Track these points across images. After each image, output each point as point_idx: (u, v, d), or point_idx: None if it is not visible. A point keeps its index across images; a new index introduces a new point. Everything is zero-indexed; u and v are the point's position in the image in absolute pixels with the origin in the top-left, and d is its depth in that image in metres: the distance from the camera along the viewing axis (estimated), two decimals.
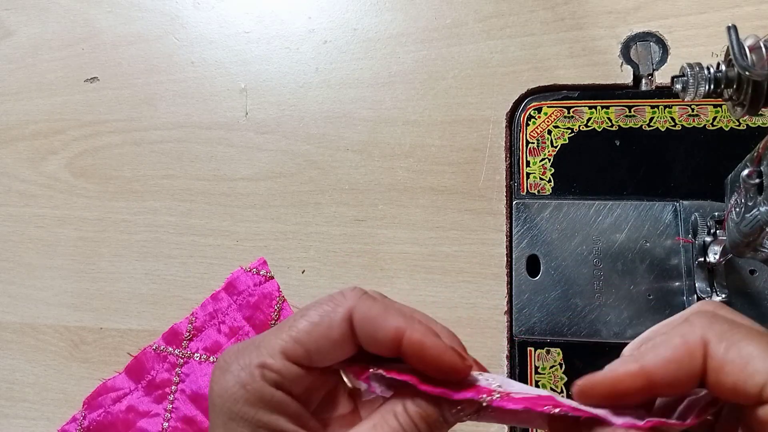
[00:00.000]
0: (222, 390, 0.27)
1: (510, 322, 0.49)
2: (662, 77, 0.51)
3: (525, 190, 0.51)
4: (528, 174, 0.51)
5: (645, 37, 0.52)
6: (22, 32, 0.63)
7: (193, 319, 0.53)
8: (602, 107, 0.51)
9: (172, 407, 0.51)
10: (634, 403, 0.26)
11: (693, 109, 0.50)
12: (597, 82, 0.52)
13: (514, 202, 0.51)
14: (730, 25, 0.30)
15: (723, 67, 0.33)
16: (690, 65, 0.33)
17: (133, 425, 0.51)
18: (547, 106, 0.52)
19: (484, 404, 0.27)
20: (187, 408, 0.51)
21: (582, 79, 0.52)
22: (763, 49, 0.30)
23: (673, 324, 0.27)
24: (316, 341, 0.27)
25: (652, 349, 0.26)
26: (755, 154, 0.35)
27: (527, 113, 0.52)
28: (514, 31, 0.55)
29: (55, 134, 0.60)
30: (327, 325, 0.27)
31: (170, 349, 0.53)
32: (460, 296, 0.50)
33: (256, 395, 0.27)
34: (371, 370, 0.28)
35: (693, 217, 0.47)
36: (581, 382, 0.26)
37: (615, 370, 0.26)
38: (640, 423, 0.26)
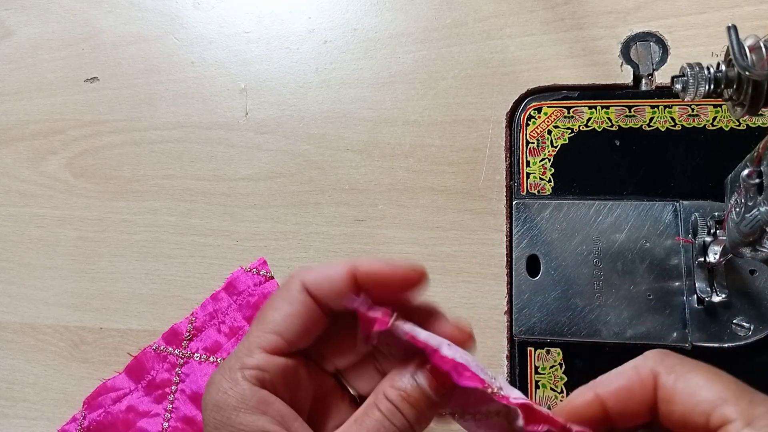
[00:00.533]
0: (207, 403, 0.28)
1: (510, 322, 0.49)
2: (662, 77, 0.51)
3: (525, 190, 0.51)
4: (528, 174, 0.51)
5: (645, 37, 0.52)
6: (22, 32, 0.63)
7: (193, 319, 0.53)
8: (602, 107, 0.51)
9: (172, 407, 0.51)
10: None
11: (693, 109, 0.50)
12: (597, 82, 0.52)
13: (514, 202, 0.51)
14: (730, 25, 0.30)
15: (723, 67, 0.33)
16: (690, 65, 0.33)
17: (133, 425, 0.51)
18: (547, 106, 0.52)
19: (491, 391, 0.27)
20: (187, 408, 0.51)
21: (582, 79, 0.52)
22: (763, 49, 0.30)
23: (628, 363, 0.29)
24: (284, 322, 0.28)
25: (606, 378, 0.27)
26: (755, 154, 0.35)
27: (527, 113, 0.52)
28: (514, 31, 0.55)
29: (55, 134, 0.60)
30: (288, 303, 0.28)
31: (170, 349, 0.53)
32: (460, 296, 0.50)
33: (238, 398, 0.27)
34: (392, 318, 0.28)
35: (693, 217, 0.47)
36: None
37: (573, 400, 0.28)
38: None
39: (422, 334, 0.28)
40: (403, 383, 0.28)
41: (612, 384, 0.27)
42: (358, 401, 0.32)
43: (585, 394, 0.27)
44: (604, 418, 0.27)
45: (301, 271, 0.29)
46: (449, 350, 0.27)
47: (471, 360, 0.28)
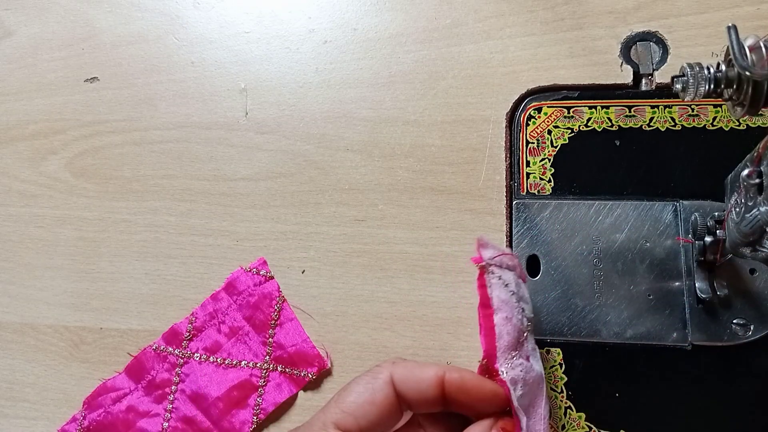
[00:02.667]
0: None
1: None
2: (662, 77, 0.51)
3: (525, 190, 0.51)
4: (528, 174, 0.51)
5: (645, 37, 0.52)
6: (22, 32, 0.63)
7: (193, 319, 0.53)
8: (602, 107, 0.51)
9: (172, 407, 0.51)
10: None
11: (693, 109, 0.50)
12: (597, 82, 0.52)
13: (514, 202, 0.51)
14: (730, 25, 0.30)
15: (723, 67, 0.33)
16: (690, 65, 0.33)
17: (133, 425, 0.51)
18: (547, 106, 0.52)
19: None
20: (187, 408, 0.51)
21: (582, 79, 0.52)
22: (763, 49, 0.30)
23: None
24: (363, 408, 0.29)
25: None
26: (755, 154, 0.35)
27: (527, 113, 0.52)
28: (514, 31, 0.55)
29: (55, 134, 0.60)
30: (371, 391, 0.30)
31: (170, 349, 0.53)
32: (460, 296, 0.50)
33: None
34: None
35: (693, 217, 0.47)
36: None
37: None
38: None
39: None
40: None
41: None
42: None
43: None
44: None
45: (391, 362, 0.30)
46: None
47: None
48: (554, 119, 0.52)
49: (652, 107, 0.51)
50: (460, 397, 0.30)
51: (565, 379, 0.47)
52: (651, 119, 0.51)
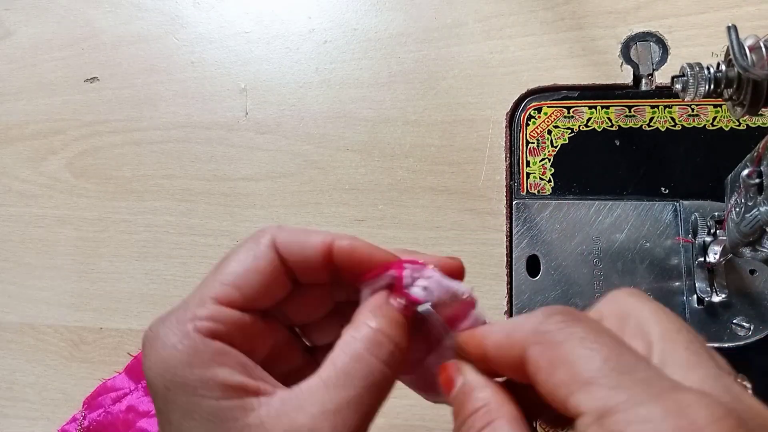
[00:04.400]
0: (154, 361, 0.24)
1: None
2: (662, 77, 0.51)
3: (525, 190, 0.51)
4: (528, 174, 0.51)
5: (645, 37, 0.52)
6: (22, 32, 0.63)
7: None
8: (602, 107, 0.51)
9: None
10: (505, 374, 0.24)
11: (693, 109, 0.50)
12: (597, 82, 0.52)
13: (514, 202, 0.51)
14: (730, 25, 0.30)
15: (723, 67, 0.33)
16: (690, 65, 0.33)
17: (133, 425, 0.51)
18: (547, 106, 0.52)
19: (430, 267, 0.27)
20: None
21: (582, 79, 0.52)
22: (763, 49, 0.30)
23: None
24: (246, 277, 0.25)
25: (497, 326, 0.25)
26: (755, 154, 0.35)
27: (527, 113, 0.52)
28: (514, 31, 0.55)
29: (55, 134, 0.60)
30: (253, 258, 0.25)
31: None
32: None
33: (191, 352, 0.23)
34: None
35: (693, 217, 0.47)
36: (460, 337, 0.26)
37: (470, 336, 0.26)
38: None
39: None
40: (380, 304, 0.26)
41: (492, 335, 0.24)
42: (311, 348, 0.30)
43: (478, 338, 0.25)
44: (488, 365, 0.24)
45: (274, 227, 0.26)
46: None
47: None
48: (554, 119, 0.52)
49: (652, 107, 0.51)
50: (349, 266, 0.26)
51: None
52: (651, 119, 0.51)
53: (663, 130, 0.50)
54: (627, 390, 0.18)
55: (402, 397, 0.48)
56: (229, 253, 0.26)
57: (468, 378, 0.25)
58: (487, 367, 0.24)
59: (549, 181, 0.51)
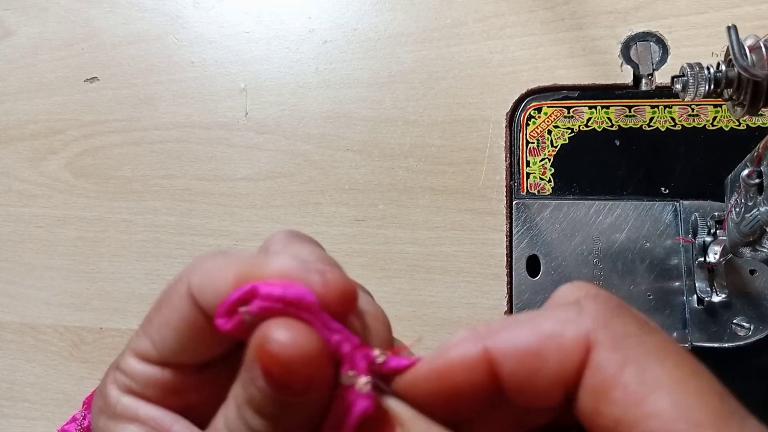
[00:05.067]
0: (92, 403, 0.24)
1: None
2: (662, 77, 0.51)
3: (525, 190, 0.51)
4: (528, 174, 0.51)
5: (645, 37, 0.52)
6: (22, 32, 0.63)
7: None
8: (602, 107, 0.51)
9: None
10: (475, 411, 0.18)
11: (693, 109, 0.50)
12: (597, 82, 0.52)
13: (514, 202, 0.51)
14: (730, 25, 0.30)
15: (723, 67, 0.33)
16: (690, 65, 0.33)
17: None
18: (547, 106, 0.52)
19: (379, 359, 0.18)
20: None
21: (582, 79, 0.52)
22: (763, 49, 0.30)
23: (558, 307, 0.18)
24: (159, 330, 0.21)
25: (506, 327, 0.17)
26: (755, 154, 0.35)
27: (527, 113, 0.52)
28: (514, 31, 0.55)
29: (55, 134, 0.60)
30: (167, 308, 0.20)
31: None
32: (460, 296, 0.50)
33: (107, 403, 0.23)
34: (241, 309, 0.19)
35: (693, 217, 0.47)
36: (401, 381, 0.18)
37: (445, 354, 0.18)
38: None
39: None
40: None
41: (514, 339, 0.17)
42: None
43: (465, 347, 0.17)
44: (490, 386, 0.17)
45: (191, 268, 0.20)
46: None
47: None
48: (554, 119, 0.52)
49: (652, 107, 0.51)
50: (267, 302, 0.19)
51: None
52: (651, 119, 0.51)
53: (663, 130, 0.50)
54: None
55: None
56: (162, 292, 0.21)
57: (413, 427, 0.17)
58: (443, 403, 0.18)
59: (549, 181, 0.51)
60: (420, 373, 0.18)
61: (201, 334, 0.20)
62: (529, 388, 0.17)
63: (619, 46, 0.53)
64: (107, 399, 0.22)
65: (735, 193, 0.37)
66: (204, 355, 0.21)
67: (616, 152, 0.51)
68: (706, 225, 0.45)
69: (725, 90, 0.33)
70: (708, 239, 0.45)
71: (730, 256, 0.43)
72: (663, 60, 0.52)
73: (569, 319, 0.17)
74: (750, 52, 0.30)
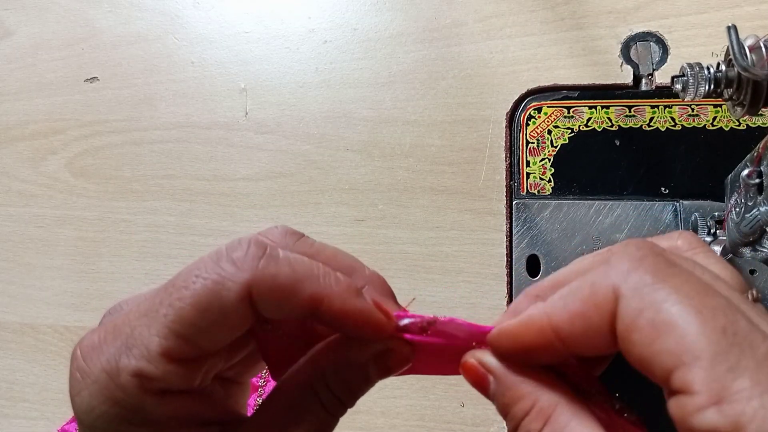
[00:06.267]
0: (88, 408, 0.21)
1: None
2: (662, 77, 0.51)
3: (525, 190, 0.51)
4: (528, 174, 0.51)
5: (645, 37, 0.52)
6: (22, 32, 0.63)
7: None
8: (602, 107, 0.51)
9: None
10: (548, 361, 0.22)
11: (693, 109, 0.50)
12: (597, 82, 0.52)
13: (514, 202, 0.51)
14: (730, 25, 0.30)
15: (723, 67, 0.33)
16: (690, 65, 0.33)
17: None
18: (547, 106, 0.52)
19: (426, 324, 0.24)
20: None
21: (582, 79, 0.52)
22: (763, 49, 0.30)
23: (592, 263, 0.22)
24: (206, 332, 0.21)
25: (560, 299, 0.21)
26: (755, 154, 0.35)
27: (527, 113, 0.52)
28: (514, 31, 0.55)
29: (55, 134, 0.60)
30: (218, 310, 0.20)
31: None
32: (460, 296, 0.50)
33: (133, 411, 0.21)
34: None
35: (693, 217, 0.47)
36: (493, 335, 0.23)
37: (525, 324, 0.22)
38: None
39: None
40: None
41: (565, 308, 0.21)
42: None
43: (538, 321, 0.21)
44: (561, 347, 0.21)
45: (252, 262, 0.21)
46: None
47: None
48: (554, 119, 0.52)
49: (652, 107, 0.51)
50: (335, 328, 0.23)
51: None
52: (651, 119, 0.51)
53: (663, 130, 0.50)
54: (750, 374, 0.17)
55: (401, 397, 0.48)
56: (187, 281, 0.21)
57: (499, 374, 0.22)
58: (523, 355, 0.22)
59: (549, 181, 0.51)
60: (500, 336, 0.23)
61: (241, 326, 0.21)
62: (584, 342, 0.20)
63: (619, 46, 0.53)
64: (142, 406, 0.21)
65: (735, 193, 0.37)
66: (227, 342, 0.22)
67: (616, 152, 0.51)
68: (706, 225, 0.45)
69: (725, 90, 0.33)
70: (708, 239, 0.45)
71: (730, 256, 0.43)
72: (663, 60, 0.52)
73: (598, 281, 0.20)
74: (750, 52, 0.30)
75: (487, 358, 0.23)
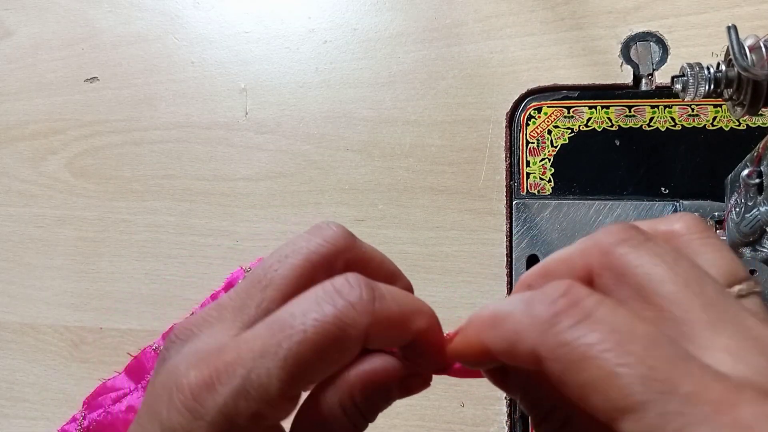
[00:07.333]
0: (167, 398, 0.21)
1: None
2: (662, 77, 0.51)
3: (525, 190, 0.51)
4: (528, 174, 0.51)
5: (645, 37, 0.52)
6: (22, 32, 0.63)
7: None
8: (602, 107, 0.51)
9: None
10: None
11: (693, 109, 0.50)
12: (597, 82, 0.52)
13: (514, 202, 0.51)
14: (730, 25, 0.30)
15: (723, 67, 0.33)
16: (690, 65, 0.33)
17: None
18: (547, 106, 0.52)
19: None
20: None
21: (582, 79, 0.52)
22: (763, 49, 0.30)
23: (573, 252, 0.22)
24: (322, 372, 0.21)
25: (492, 325, 0.21)
26: (755, 154, 0.35)
27: (527, 113, 0.52)
28: (514, 31, 0.55)
29: (55, 134, 0.60)
30: (338, 353, 0.21)
31: None
32: (460, 296, 0.50)
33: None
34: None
35: None
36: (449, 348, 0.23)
37: (462, 340, 0.22)
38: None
39: None
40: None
41: (494, 341, 0.21)
42: None
43: (474, 339, 0.22)
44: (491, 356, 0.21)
45: (368, 306, 0.21)
46: None
47: None
48: (554, 119, 0.52)
49: (652, 107, 0.51)
50: (412, 354, 0.24)
51: None
52: (651, 119, 0.51)
53: (663, 130, 0.50)
54: (679, 416, 0.16)
55: None
56: (301, 324, 0.21)
57: (483, 310, 0.22)
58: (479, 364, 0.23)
59: (549, 181, 0.51)
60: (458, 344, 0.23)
61: (347, 363, 0.22)
62: (515, 363, 0.20)
63: (619, 46, 0.53)
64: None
65: (735, 193, 0.37)
66: None
67: (616, 152, 0.51)
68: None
69: (725, 90, 0.33)
70: None
71: None
72: (663, 60, 0.52)
73: (522, 328, 0.20)
74: (750, 52, 0.30)
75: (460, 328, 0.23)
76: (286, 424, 0.23)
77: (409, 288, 0.27)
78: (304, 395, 0.23)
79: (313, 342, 0.20)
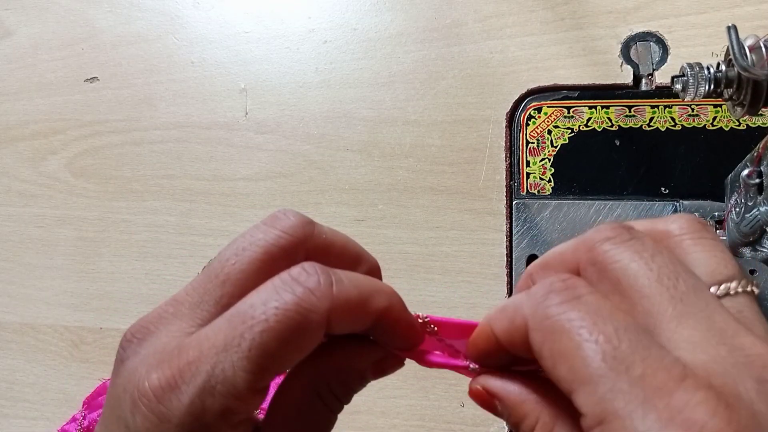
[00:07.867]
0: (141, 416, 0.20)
1: None
2: (662, 77, 0.51)
3: (525, 190, 0.51)
4: (528, 174, 0.51)
5: (645, 37, 0.52)
6: (22, 32, 0.63)
7: None
8: (602, 107, 0.51)
9: None
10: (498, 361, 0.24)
11: (693, 109, 0.50)
12: (597, 82, 0.52)
13: (514, 202, 0.51)
14: (730, 25, 0.30)
15: (723, 67, 0.33)
16: (690, 65, 0.33)
17: None
18: (547, 106, 0.52)
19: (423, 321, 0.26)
20: None
21: (582, 79, 0.52)
22: (763, 49, 0.30)
23: (566, 248, 0.23)
24: (288, 360, 0.21)
25: (498, 312, 0.24)
26: (755, 154, 0.35)
27: (527, 113, 0.52)
28: (514, 31, 0.55)
29: (55, 134, 0.60)
30: (301, 340, 0.21)
31: None
32: (460, 296, 0.50)
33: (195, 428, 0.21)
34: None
35: None
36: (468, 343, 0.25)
37: (478, 332, 0.25)
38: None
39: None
40: None
41: (499, 324, 0.23)
42: None
43: (486, 330, 0.25)
44: (504, 352, 0.23)
45: (327, 290, 0.22)
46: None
47: None
48: (554, 119, 0.52)
49: (652, 107, 0.51)
50: (379, 333, 0.24)
51: None
52: (651, 119, 0.51)
53: (663, 130, 0.50)
54: (624, 394, 0.18)
55: (401, 397, 0.48)
56: (262, 314, 0.20)
57: (503, 396, 0.23)
58: (491, 360, 0.24)
59: (549, 181, 0.51)
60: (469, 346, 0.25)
61: (311, 350, 0.22)
62: (518, 353, 0.22)
63: (619, 46, 0.53)
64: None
65: (735, 193, 0.37)
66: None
67: (616, 152, 0.51)
68: None
69: (725, 90, 0.33)
70: None
71: None
72: (663, 60, 0.52)
73: (519, 306, 0.22)
74: (750, 52, 0.30)
75: (491, 382, 0.24)
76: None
77: (375, 268, 0.28)
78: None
79: (276, 330, 0.20)
